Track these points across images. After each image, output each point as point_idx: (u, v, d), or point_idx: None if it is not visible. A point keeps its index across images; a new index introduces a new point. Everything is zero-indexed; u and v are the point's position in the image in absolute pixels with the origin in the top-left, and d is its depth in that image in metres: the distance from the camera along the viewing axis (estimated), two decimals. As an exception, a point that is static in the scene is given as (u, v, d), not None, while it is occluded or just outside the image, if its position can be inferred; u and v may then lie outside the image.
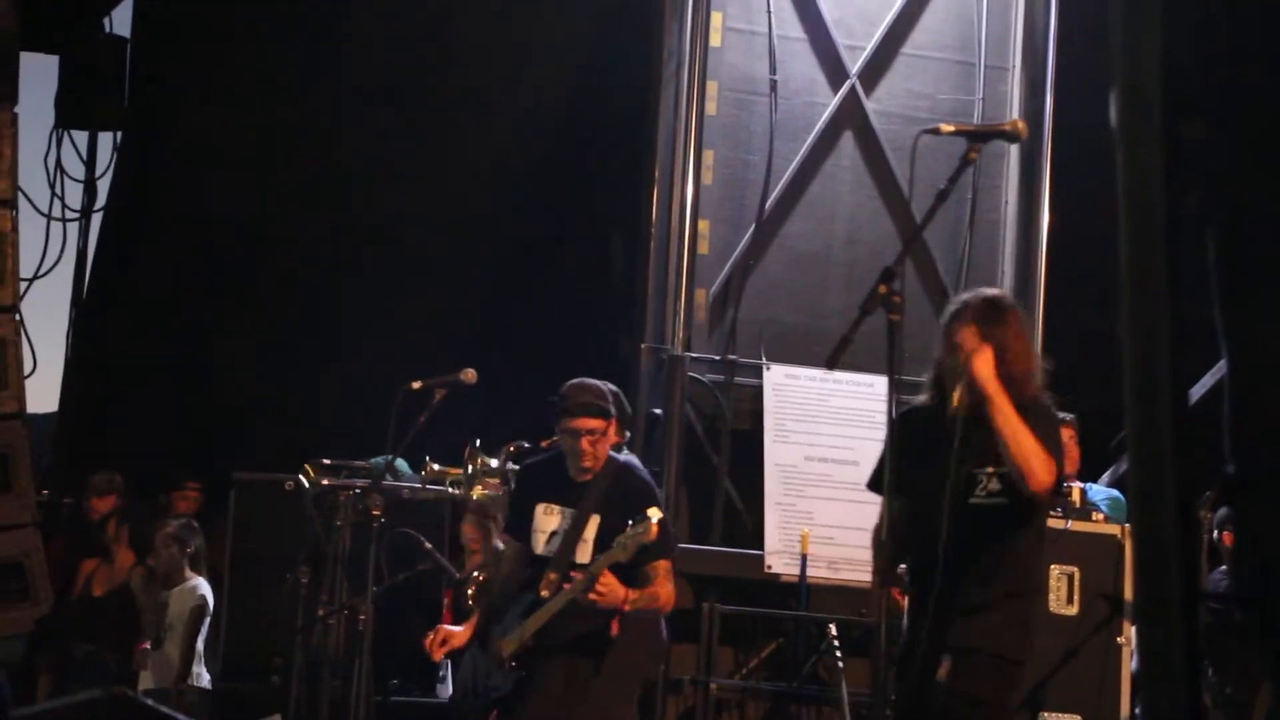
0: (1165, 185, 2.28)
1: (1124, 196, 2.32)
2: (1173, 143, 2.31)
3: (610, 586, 6.93)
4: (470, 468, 8.37)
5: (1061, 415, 8.82)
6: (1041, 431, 6.03)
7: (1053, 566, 8.07)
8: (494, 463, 8.35)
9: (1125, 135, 2.33)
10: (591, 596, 6.93)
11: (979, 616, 6.04)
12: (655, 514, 6.89)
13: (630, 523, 6.90)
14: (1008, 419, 5.96)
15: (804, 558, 9.61)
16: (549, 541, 7.31)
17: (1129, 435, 2.29)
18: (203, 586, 10.08)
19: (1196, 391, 5.17)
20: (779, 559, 9.74)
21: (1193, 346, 2.34)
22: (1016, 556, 6.13)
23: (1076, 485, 8.35)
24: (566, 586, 7.03)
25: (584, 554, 7.17)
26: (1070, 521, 8.07)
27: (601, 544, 7.09)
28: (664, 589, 7.14)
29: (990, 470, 6.11)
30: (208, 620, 10.01)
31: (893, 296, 5.54)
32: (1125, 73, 2.33)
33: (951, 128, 6.10)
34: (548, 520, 7.35)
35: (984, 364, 6.05)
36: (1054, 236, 10.72)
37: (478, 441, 8.47)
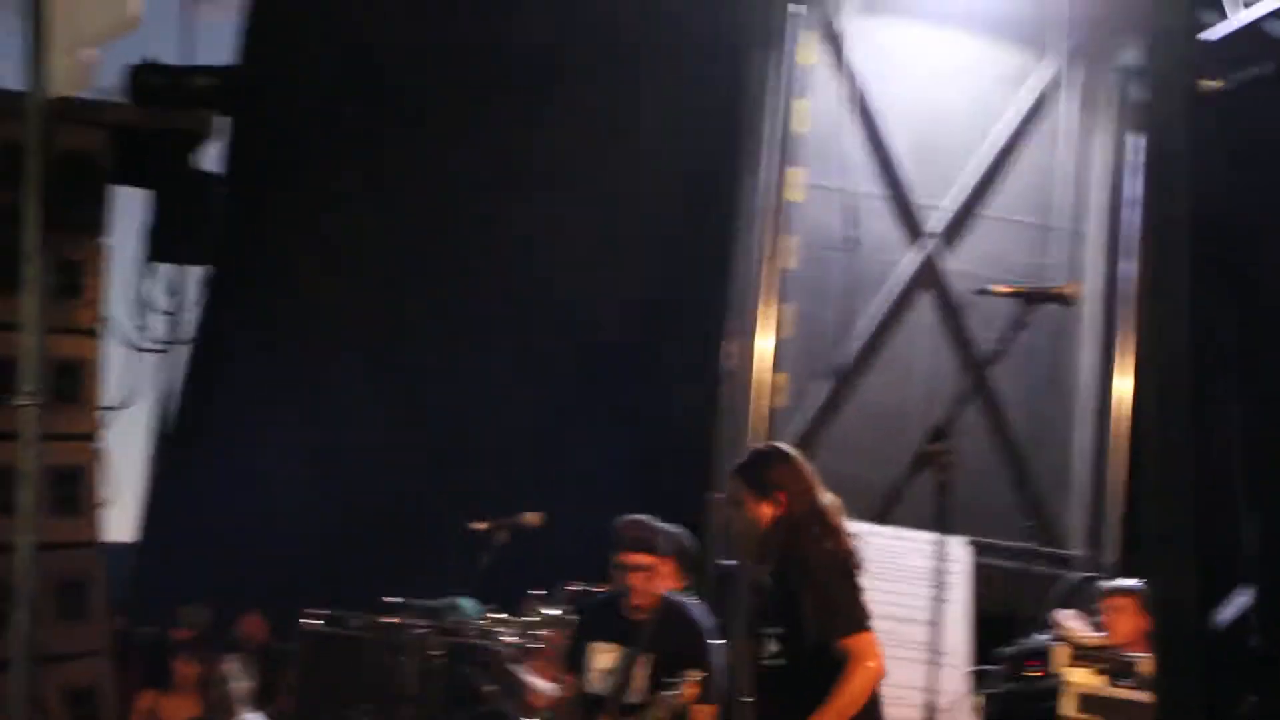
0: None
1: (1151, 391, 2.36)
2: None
3: None
4: (527, 620, 8.38)
5: (1130, 584, 8.79)
6: (823, 594, 5.94)
7: (1119, 735, 7.94)
8: (550, 613, 8.34)
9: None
10: None
11: None
12: (695, 676, 6.84)
13: (670, 682, 6.87)
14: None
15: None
16: (601, 680, 7.29)
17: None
18: (255, 724, 10.08)
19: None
20: (847, 717, 9.62)
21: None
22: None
23: (1145, 656, 8.20)
24: None
25: (635, 694, 7.14)
26: (1138, 691, 7.95)
27: (654, 684, 7.05)
28: None
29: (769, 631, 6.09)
30: None
31: (942, 455, 5.54)
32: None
33: (1005, 289, 6.13)
34: (601, 658, 7.34)
35: None
36: (1137, 404, 10.68)
37: (536, 594, 8.48)
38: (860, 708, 5.89)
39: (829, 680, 5.91)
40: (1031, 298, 6.03)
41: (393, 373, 11.40)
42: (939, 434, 5.55)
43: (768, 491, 6.14)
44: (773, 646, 6.08)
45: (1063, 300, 6.52)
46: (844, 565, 6.04)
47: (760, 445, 6.45)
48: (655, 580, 7.26)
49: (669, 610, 7.27)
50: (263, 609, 11.04)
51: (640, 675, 7.19)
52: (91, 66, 7.21)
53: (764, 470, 6.21)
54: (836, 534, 6.09)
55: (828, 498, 6.19)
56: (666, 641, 7.16)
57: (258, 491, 11.25)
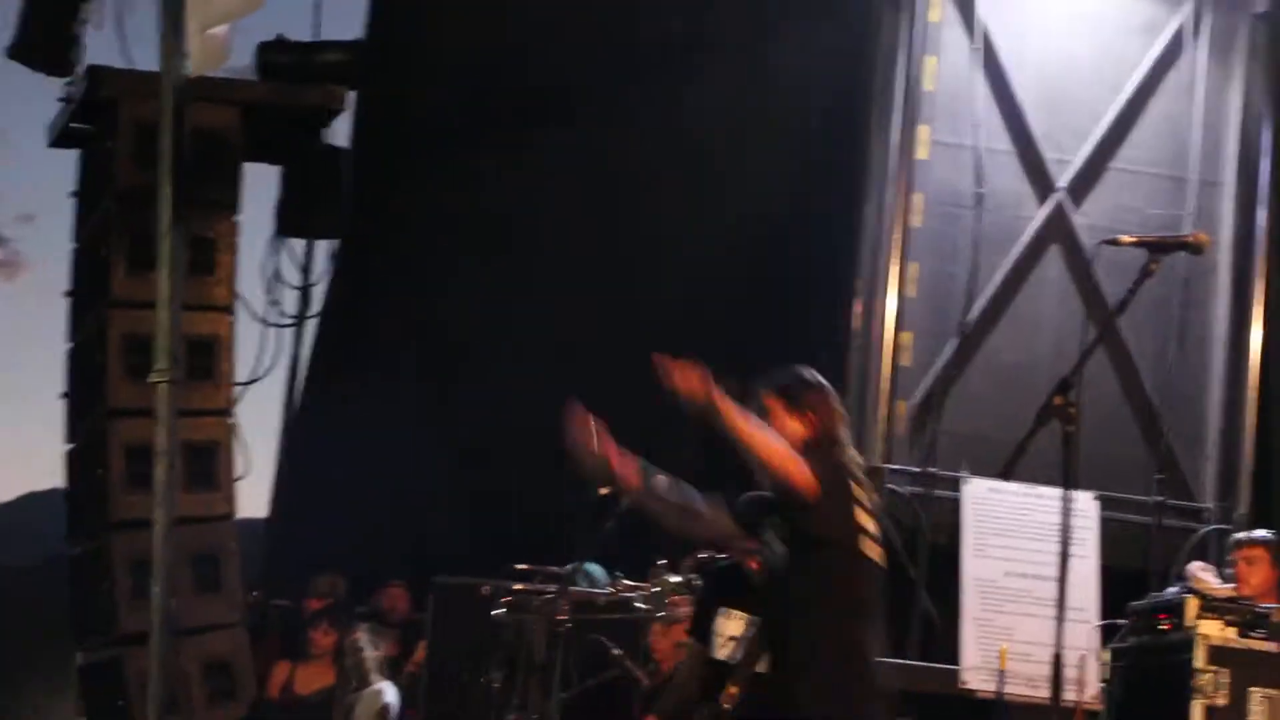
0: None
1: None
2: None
3: None
4: (655, 588, 8.39)
5: (1262, 535, 8.69)
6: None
7: (1254, 689, 7.88)
8: (676, 579, 8.35)
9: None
10: None
11: None
12: None
13: None
14: (740, 428, 5.79)
15: (1002, 674, 9.48)
16: (729, 647, 7.24)
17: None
18: (388, 691, 10.21)
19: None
20: (976, 675, 9.61)
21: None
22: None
23: (1276, 607, 8.14)
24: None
25: (765, 664, 7.10)
26: (1268, 642, 7.89)
27: None
28: None
29: None
30: None
31: (1068, 408, 5.50)
32: None
33: (1131, 239, 6.05)
34: (729, 624, 7.27)
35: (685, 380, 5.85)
36: (1268, 355, 10.56)
37: (661, 561, 8.50)
38: (758, 452, 5.83)
39: (823, 578, 5.98)
40: (1158, 247, 5.93)
41: (521, 343, 11.48)
42: (1065, 386, 5.49)
43: (800, 408, 6.10)
44: (777, 546, 6.07)
45: (1191, 249, 6.37)
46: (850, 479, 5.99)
47: (800, 368, 6.33)
48: None
49: None
50: (396, 580, 11.19)
51: None
52: (223, 45, 7.33)
53: (802, 389, 6.16)
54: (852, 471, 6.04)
55: (851, 446, 6.18)
56: None
57: (387, 463, 11.38)
